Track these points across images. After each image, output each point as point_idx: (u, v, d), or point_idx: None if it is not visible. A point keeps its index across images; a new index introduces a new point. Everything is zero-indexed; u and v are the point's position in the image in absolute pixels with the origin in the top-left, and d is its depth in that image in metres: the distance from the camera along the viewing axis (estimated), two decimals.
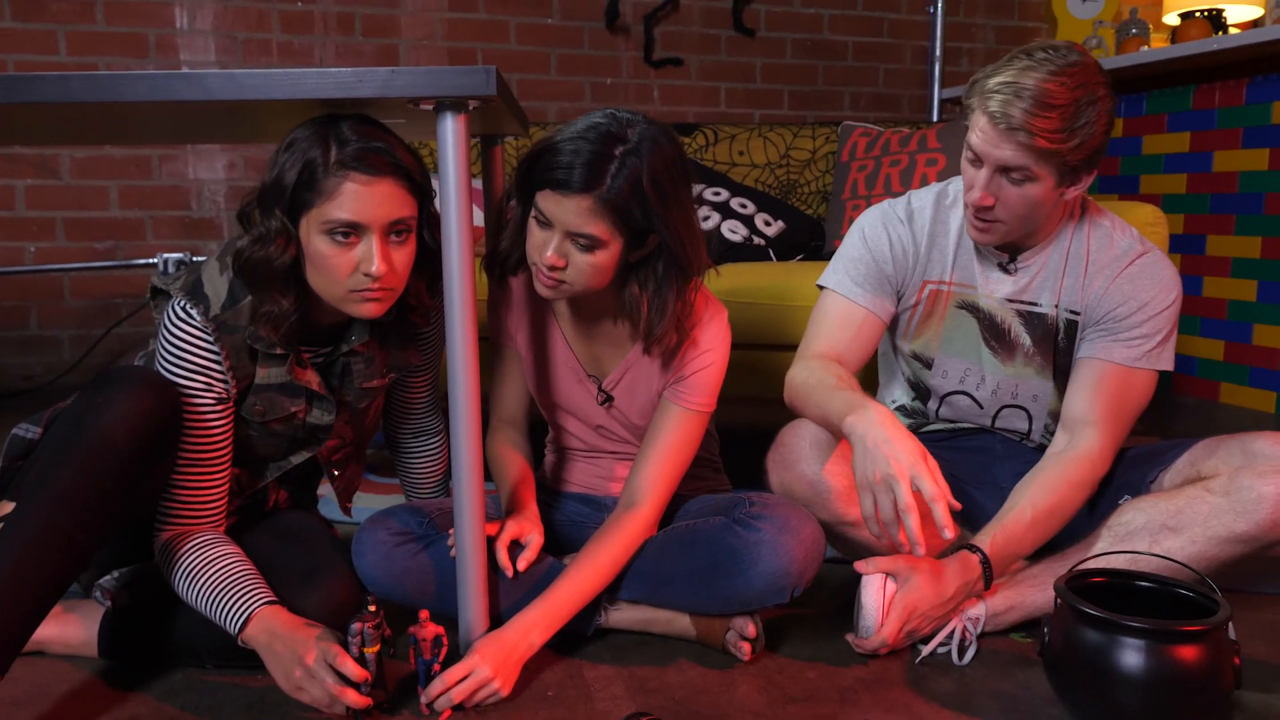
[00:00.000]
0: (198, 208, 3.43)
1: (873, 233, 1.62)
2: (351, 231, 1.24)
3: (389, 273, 1.26)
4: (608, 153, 1.30)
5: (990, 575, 1.43)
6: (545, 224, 1.34)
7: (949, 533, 1.25)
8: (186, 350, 1.31)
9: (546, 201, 1.32)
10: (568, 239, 1.33)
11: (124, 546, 1.43)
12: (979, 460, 1.71)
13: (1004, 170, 1.40)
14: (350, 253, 1.25)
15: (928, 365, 1.68)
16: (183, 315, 1.30)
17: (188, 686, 1.36)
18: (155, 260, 2.67)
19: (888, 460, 1.28)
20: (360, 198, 1.23)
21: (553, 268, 1.34)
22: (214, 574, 1.30)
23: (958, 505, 1.30)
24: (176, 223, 3.41)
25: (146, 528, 1.36)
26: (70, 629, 1.42)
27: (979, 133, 1.40)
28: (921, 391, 1.73)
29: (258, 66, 3.38)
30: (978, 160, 1.43)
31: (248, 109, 1.28)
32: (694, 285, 1.43)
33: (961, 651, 1.43)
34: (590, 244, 1.33)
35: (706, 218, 2.57)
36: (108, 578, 1.42)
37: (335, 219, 1.23)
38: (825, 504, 1.49)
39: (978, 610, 1.45)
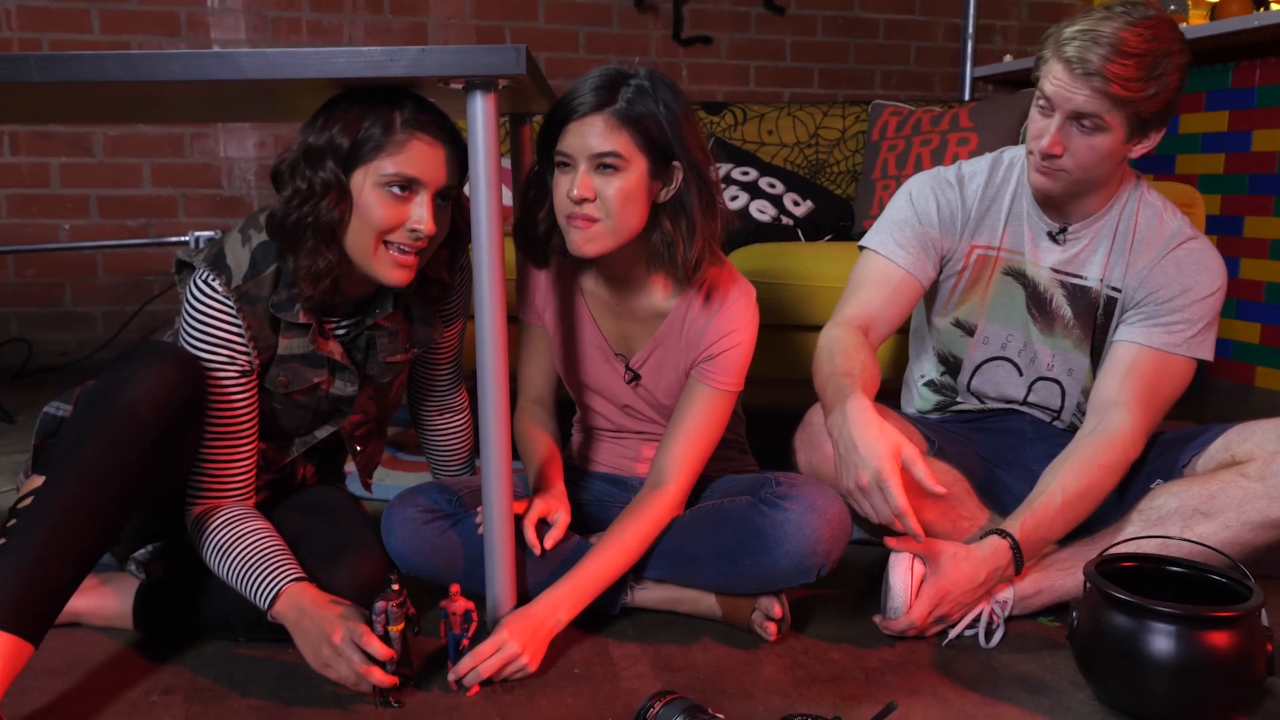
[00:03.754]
0: (228, 186, 3.45)
1: (920, 196, 1.63)
2: (409, 188, 1.28)
3: (432, 234, 1.30)
4: (619, 80, 1.36)
5: (1020, 560, 1.41)
6: (568, 165, 1.36)
7: (920, 539, 1.31)
8: (209, 322, 1.32)
9: (566, 138, 1.35)
10: (591, 169, 1.34)
11: (158, 520, 1.45)
12: (1008, 442, 1.70)
13: (1076, 118, 1.41)
14: (402, 208, 1.29)
15: (970, 333, 1.66)
16: (205, 287, 1.32)
17: (220, 658, 1.38)
18: (187, 238, 2.69)
19: (855, 469, 1.30)
20: (426, 156, 1.28)
21: (581, 201, 1.34)
22: (244, 549, 1.31)
23: (943, 490, 1.30)
24: (208, 200, 3.44)
25: (179, 501, 1.38)
26: (106, 601, 1.44)
27: (1053, 80, 1.40)
28: (952, 365, 1.71)
29: (287, 45, 3.39)
30: (1050, 108, 1.43)
31: (279, 88, 1.28)
32: (720, 215, 1.43)
33: (989, 635, 1.42)
34: (613, 165, 1.33)
35: (734, 197, 2.55)
36: (142, 551, 1.45)
37: (399, 173, 1.26)
38: None
39: (1006, 594, 1.44)
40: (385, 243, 1.30)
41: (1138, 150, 1.46)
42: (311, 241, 1.28)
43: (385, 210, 1.28)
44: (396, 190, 1.27)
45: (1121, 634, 1.18)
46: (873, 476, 1.28)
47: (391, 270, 1.31)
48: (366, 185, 1.27)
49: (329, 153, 1.26)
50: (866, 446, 1.29)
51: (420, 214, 1.29)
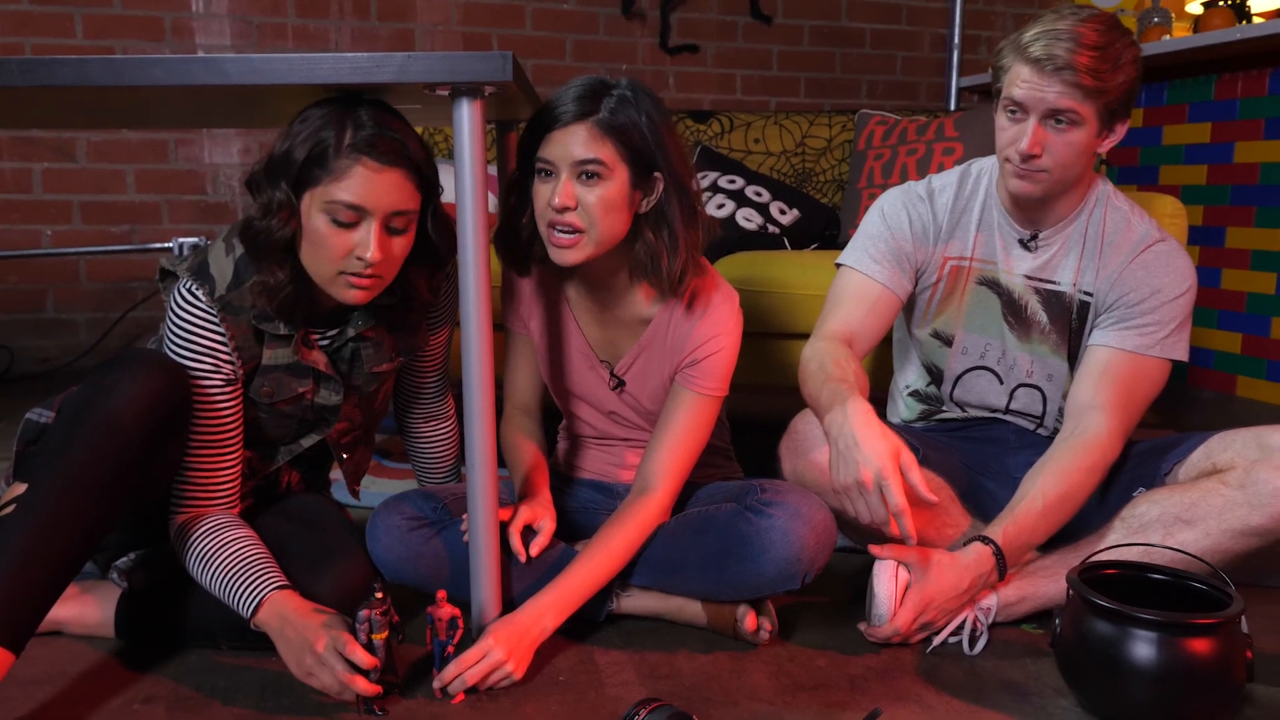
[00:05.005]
0: (213, 192, 3.44)
1: (892, 210, 1.64)
2: (353, 214, 1.25)
3: (382, 261, 1.27)
4: (601, 90, 1.36)
5: (1004, 566, 1.42)
6: (549, 172, 1.36)
7: (913, 541, 1.30)
8: (192, 332, 1.31)
9: (548, 146, 1.36)
10: (573, 177, 1.34)
11: (140, 529, 1.44)
12: (992, 450, 1.71)
13: (1051, 115, 1.43)
14: (348, 235, 1.26)
15: (948, 343, 1.68)
16: (188, 297, 1.31)
17: (203, 667, 1.37)
18: (171, 244, 2.68)
19: (856, 466, 1.30)
20: (368, 182, 1.24)
21: (563, 209, 1.34)
22: (227, 557, 1.31)
23: (935, 499, 1.31)
24: (192, 207, 3.43)
25: (162, 510, 1.37)
26: (87, 609, 1.43)
27: (1021, 83, 1.42)
28: (936, 375, 1.72)
29: (273, 51, 3.38)
30: (1021, 111, 1.45)
31: (264, 93, 1.28)
32: (701, 225, 1.44)
33: (973, 641, 1.43)
34: (596, 174, 1.34)
35: (721, 205, 2.56)
36: (124, 559, 1.43)
37: (340, 200, 1.24)
38: None
39: (990, 601, 1.45)
40: (340, 272, 1.28)
41: (1107, 144, 1.49)
42: (264, 258, 1.28)
43: (330, 238, 1.26)
44: (340, 217, 1.25)
45: (1104, 641, 1.19)
46: (875, 474, 1.28)
47: (348, 292, 1.29)
48: (313, 209, 1.26)
49: (283, 169, 1.25)
50: (870, 445, 1.30)
51: (364, 240, 1.26)
